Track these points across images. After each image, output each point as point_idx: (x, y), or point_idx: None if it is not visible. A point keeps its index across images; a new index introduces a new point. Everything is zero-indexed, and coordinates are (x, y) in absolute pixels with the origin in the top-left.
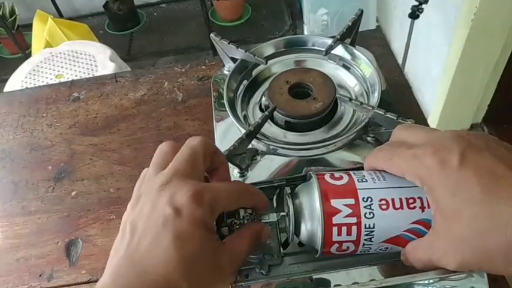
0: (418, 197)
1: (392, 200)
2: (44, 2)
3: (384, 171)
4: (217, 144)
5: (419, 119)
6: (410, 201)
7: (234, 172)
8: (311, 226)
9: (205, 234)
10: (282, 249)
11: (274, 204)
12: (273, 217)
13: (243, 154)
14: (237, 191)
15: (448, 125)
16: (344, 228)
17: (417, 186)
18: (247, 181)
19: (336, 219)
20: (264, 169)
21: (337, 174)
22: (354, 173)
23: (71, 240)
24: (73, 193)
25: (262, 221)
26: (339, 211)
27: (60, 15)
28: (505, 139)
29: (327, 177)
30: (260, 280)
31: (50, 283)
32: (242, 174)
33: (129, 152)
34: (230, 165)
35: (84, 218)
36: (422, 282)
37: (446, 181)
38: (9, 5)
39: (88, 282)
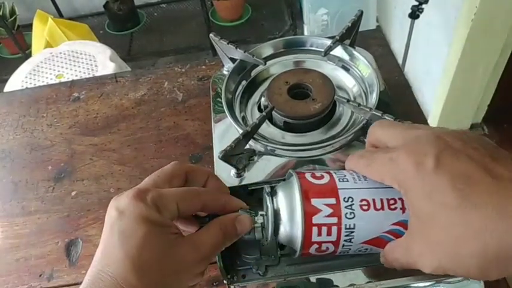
0: (399, 198)
1: (374, 200)
2: (44, 2)
3: None
4: (215, 144)
5: (419, 119)
6: (391, 202)
7: (232, 172)
8: (290, 225)
9: (151, 228)
10: (279, 250)
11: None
12: (259, 219)
13: (240, 154)
14: (186, 192)
15: (448, 125)
16: (324, 229)
17: None
18: (244, 181)
19: (316, 219)
20: (261, 170)
21: (318, 174)
22: (335, 173)
23: (71, 240)
24: (73, 193)
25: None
26: (319, 211)
27: (60, 15)
28: (505, 139)
29: (308, 176)
30: (257, 280)
31: (50, 283)
32: (239, 174)
33: (129, 152)
34: (227, 165)
35: (84, 218)
36: (418, 285)
37: (422, 185)
38: (9, 5)
39: None
